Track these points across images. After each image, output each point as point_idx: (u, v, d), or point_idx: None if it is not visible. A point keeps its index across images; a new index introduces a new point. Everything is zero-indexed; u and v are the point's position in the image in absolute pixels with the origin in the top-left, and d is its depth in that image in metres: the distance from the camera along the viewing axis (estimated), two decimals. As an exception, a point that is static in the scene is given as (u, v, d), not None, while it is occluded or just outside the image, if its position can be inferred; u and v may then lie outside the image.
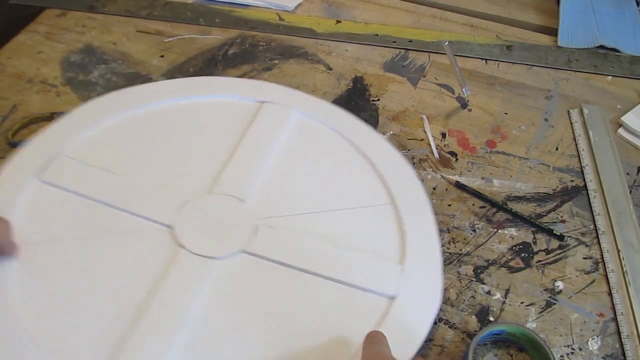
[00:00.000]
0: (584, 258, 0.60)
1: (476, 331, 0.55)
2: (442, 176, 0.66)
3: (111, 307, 0.52)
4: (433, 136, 0.70)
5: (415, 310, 0.53)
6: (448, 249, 0.60)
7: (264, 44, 0.81)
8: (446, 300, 0.57)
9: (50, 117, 0.71)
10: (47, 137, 0.65)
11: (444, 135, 0.70)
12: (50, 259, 0.55)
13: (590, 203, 0.64)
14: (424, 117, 0.71)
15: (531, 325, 0.55)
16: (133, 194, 0.59)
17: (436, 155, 0.68)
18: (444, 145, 0.69)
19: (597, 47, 0.82)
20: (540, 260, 0.59)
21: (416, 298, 0.54)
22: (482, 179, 0.66)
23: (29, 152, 0.63)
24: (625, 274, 0.58)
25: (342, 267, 0.55)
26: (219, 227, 0.57)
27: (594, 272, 0.59)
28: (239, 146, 0.65)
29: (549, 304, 0.56)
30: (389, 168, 0.64)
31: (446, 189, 0.65)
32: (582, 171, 0.67)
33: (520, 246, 0.60)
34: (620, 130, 0.71)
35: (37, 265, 0.54)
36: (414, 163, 0.67)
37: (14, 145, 0.68)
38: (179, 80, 0.73)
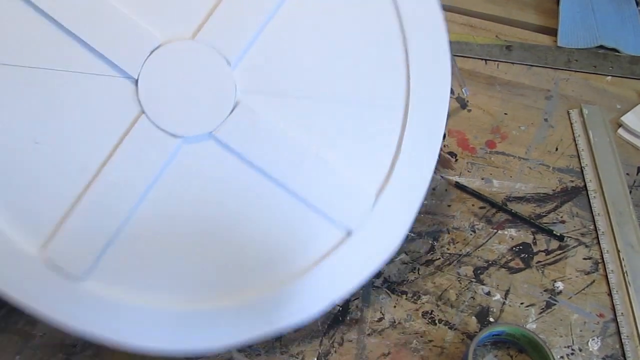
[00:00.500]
0: (584, 258, 0.60)
1: (476, 332, 0.55)
2: (441, 177, 0.66)
3: (59, 167, 0.45)
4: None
5: (367, 252, 0.50)
6: (448, 249, 0.60)
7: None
8: (446, 301, 0.57)
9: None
10: None
11: (443, 135, 0.70)
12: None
13: (590, 203, 0.64)
14: None
15: (531, 326, 0.55)
16: (93, 18, 0.44)
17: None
18: (444, 146, 0.69)
19: (597, 47, 0.81)
20: (540, 261, 0.59)
21: (374, 240, 0.50)
22: (482, 179, 0.66)
23: None
24: (625, 274, 0.58)
25: (310, 182, 0.48)
26: (192, 92, 0.46)
27: (594, 272, 0.59)
28: None
29: (548, 305, 0.56)
30: (424, 67, 0.51)
31: (446, 190, 0.65)
32: (582, 171, 0.67)
33: (520, 247, 0.60)
34: (620, 131, 0.71)
35: None
36: (413, 164, 0.67)
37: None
38: None
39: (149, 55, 0.45)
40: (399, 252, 0.58)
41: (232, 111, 0.47)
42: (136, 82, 0.45)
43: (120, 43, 0.45)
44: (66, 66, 0.44)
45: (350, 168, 0.50)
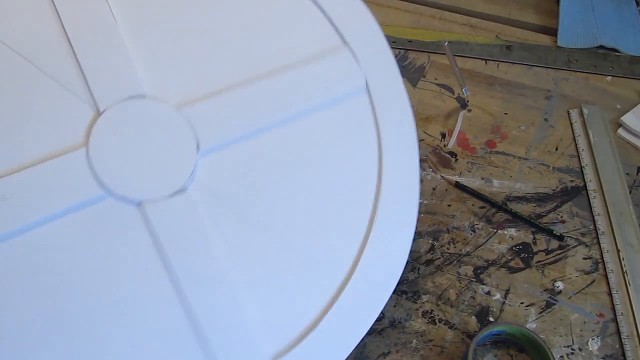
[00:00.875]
0: (584, 258, 0.60)
1: (476, 332, 0.55)
2: (441, 176, 0.66)
3: None
4: (433, 137, 0.70)
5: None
6: (448, 249, 0.60)
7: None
8: (446, 301, 0.57)
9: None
10: None
11: (443, 135, 0.70)
12: None
13: (590, 203, 0.64)
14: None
15: (531, 325, 0.55)
16: (101, 48, 0.43)
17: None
18: (444, 146, 0.69)
19: (597, 47, 0.81)
20: (540, 261, 0.59)
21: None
22: (482, 179, 0.66)
23: None
24: (625, 274, 0.58)
25: (210, 307, 0.42)
26: (148, 154, 0.43)
27: (593, 272, 0.59)
28: (261, 80, 0.47)
29: (548, 305, 0.56)
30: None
31: (446, 189, 0.65)
32: (582, 171, 0.67)
33: (520, 246, 0.60)
34: (620, 131, 0.71)
35: None
36: (413, 163, 0.67)
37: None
38: None
39: (127, 99, 0.42)
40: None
41: (175, 194, 0.42)
42: (99, 115, 0.41)
43: (106, 74, 0.42)
44: (49, 70, 0.42)
45: (259, 314, 0.43)
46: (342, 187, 0.47)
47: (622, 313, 0.56)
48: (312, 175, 0.47)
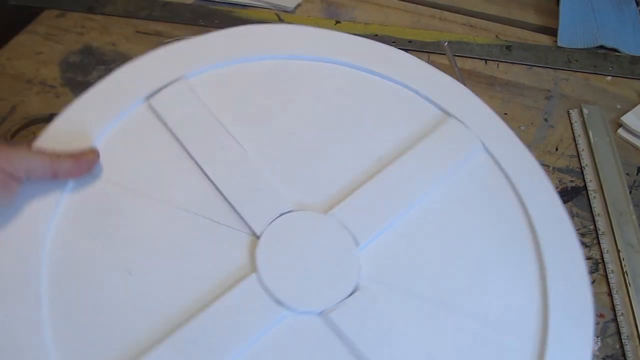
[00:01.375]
0: (584, 259, 0.60)
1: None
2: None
3: (147, 296, 0.40)
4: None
5: None
6: (448, 249, 0.60)
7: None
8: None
9: (49, 118, 0.71)
10: (172, 54, 0.50)
11: (443, 135, 0.70)
12: (102, 205, 0.43)
13: (590, 203, 0.64)
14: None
15: (531, 326, 0.55)
16: (235, 173, 0.45)
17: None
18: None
19: (597, 47, 0.81)
20: (540, 261, 0.59)
21: None
22: (482, 179, 0.66)
23: (147, 66, 0.49)
24: (625, 274, 0.58)
25: None
26: (312, 265, 0.43)
27: (594, 272, 0.59)
28: (389, 166, 0.48)
29: (548, 305, 0.56)
30: (558, 268, 0.46)
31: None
32: (582, 171, 0.67)
33: (520, 247, 0.60)
34: (620, 131, 0.71)
35: (85, 210, 0.42)
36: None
37: (13, 146, 0.68)
38: (358, 37, 0.55)
39: (277, 217, 0.44)
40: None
41: (351, 294, 0.42)
42: (257, 239, 0.43)
43: (253, 201, 0.44)
44: (203, 213, 0.44)
45: None
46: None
47: (622, 313, 0.56)
48: (475, 248, 0.46)
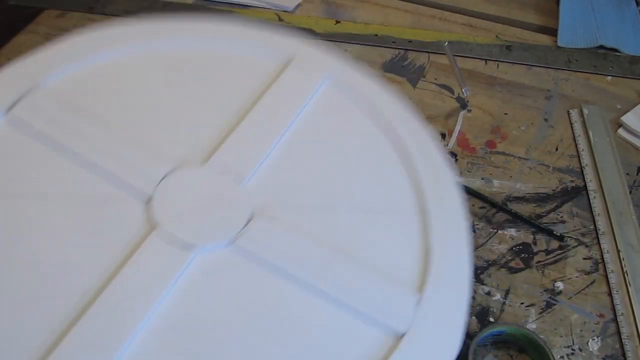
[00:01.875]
0: (584, 258, 0.60)
1: (476, 332, 0.54)
2: (441, 177, 0.66)
3: (58, 289, 0.43)
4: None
5: (428, 352, 0.43)
6: (448, 249, 0.60)
7: (264, 44, 0.81)
8: (446, 301, 0.57)
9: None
10: (24, 67, 0.54)
11: (443, 135, 0.70)
12: (3, 217, 0.46)
13: (590, 203, 0.64)
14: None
15: (531, 326, 0.55)
16: (111, 151, 0.49)
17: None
18: (444, 146, 0.69)
19: (597, 47, 0.82)
20: (540, 261, 0.59)
21: (430, 338, 0.44)
22: (482, 179, 0.66)
23: (1, 81, 0.53)
24: (625, 274, 0.58)
25: (344, 286, 0.45)
26: (205, 208, 0.47)
27: (594, 272, 0.59)
28: (249, 112, 0.54)
29: (549, 305, 0.56)
30: (428, 170, 0.52)
31: (446, 190, 0.65)
32: (582, 171, 0.67)
33: (520, 247, 0.60)
34: (620, 131, 0.71)
35: None
36: (413, 163, 0.67)
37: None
38: (193, 22, 0.61)
39: (163, 178, 0.48)
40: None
41: (248, 222, 0.46)
42: (150, 202, 0.47)
43: (137, 169, 0.48)
44: (85, 192, 0.47)
45: (383, 268, 0.47)
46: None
47: (622, 313, 0.56)
48: (347, 156, 0.53)
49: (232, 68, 0.58)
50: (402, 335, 0.43)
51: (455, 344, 0.44)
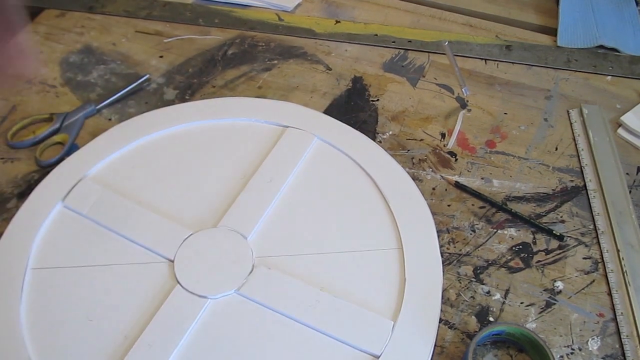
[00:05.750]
0: (584, 258, 0.60)
1: (476, 332, 0.55)
2: (441, 176, 0.66)
3: (105, 335, 0.54)
4: (432, 137, 0.70)
5: None
6: (447, 249, 0.60)
7: (263, 44, 0.81)
8: (446, 301, 0.57)
9: (49, 118, 0.71)
10: (75, 160, 0.66)
11: (443, 135, 0.70)
12: (58, 284, 0.57)
13: (589, 203, 0.64)
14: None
15: (531, 325, 0.55)
16: (142, 225, 0.61)
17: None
18: (444, 146, 0.69)
19: (597, 47, 0.81)
20: (540, 261, 0.59)
21: (402, 358, 0.52)
22: (482, 179, 0.66)
23: (57, 176, 0.64)
24: (625, 274, 0.58)
25: (330, 319, 0.54)
26: (217, 264, 0.58)
27: (593, 272, 0.59)
28: (253, 176, 0.64)
29: (548, 304, 0.56)
30: (405, 210, 0.61)
31: (445, 189, 0.65)
32: (582, 171, 0.67)
33: (520, 246, 0.60)
34: (620, 130, 0.71)
35: (45, 290, 0.57)
36: (413, 163, 0.67)
37: (13, 146, 0.68)
38: (203, 102, 0.72)
39: (183, 242, 0.59)
40: (398, 252, 0.58)
41: (251, 272, 0.57)
42: (173, 262, 0.58)
43: (161, 237, 0.60)
44: (127, 260, 0.59)
45: (363, 299, 0.56)
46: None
47: (622, 313, 0.56)
48: (333, 208, 0.63)
49: (240, 138, 0.69)
50: (378, 357, 0.52)
51: None
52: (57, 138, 0.69)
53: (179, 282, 0.56)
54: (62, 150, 0.67)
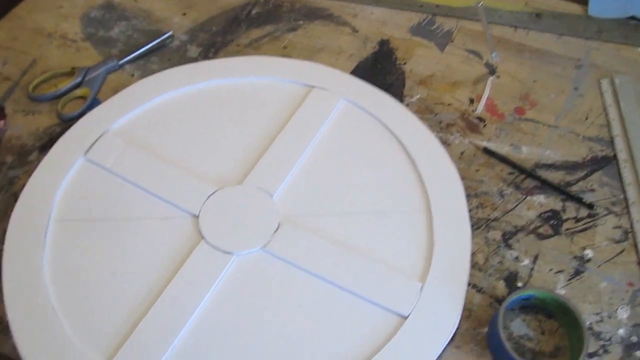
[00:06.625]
0: (614, 227, 0.59)
1: (504, 296, 0.54)
2: (469, 141, 0.65)
3: (129, 289, 0.53)
4: (461, 101, 0.68)
5: (426, 333, 0.51)
6: (476, 214, 0.59)
7: (288, 4, 0.79)
8: (474, 265, 0.56)
9: (71, 73, 0.69)
10: (97, 114, 0.65)
11: (471, 100, 0.69)
12: (81, 237, 0.56)
13: (620, 173, 0.63)
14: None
15: (559, 292, 0.54)
16: (166, 180, 0.60)
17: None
18: (472, 111, 0.68)
19: (628, 17, 0.79)
20: (569, 228, 0.58)
21: (430, 321, 0.51)
22: (511, 145, 0.65)
23: (79, 130, 0.63)
24: (657, 243, 0.57)
25: (357, 278, 0.53)
26: (242, 221, 0.57)
27: (623, 241, 0.58)
28: (278, 135, 0.63)
29: (577, 272, 0.56)
30: (433, 173, 0.60)
31: (474, 154, 0.64)
32: (612, 141, 0.66)
33: (549, 213, 0.59)
34: (652, 102, 0.69)
35: (67, 242, 0.56)
36: (441, 127, 0.66)
37: (34, 99, 0.67)
38: (227, 59, 0.70)
39: (207, 198, 0.58)
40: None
41: (276, 229, 0.56)
42: (198, 217, 0.57)
43: (187, 192, 0.59)
44: (151, 215, 0.58)
45: (391, 261, 0.55)
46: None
47: (652, 282, 0.55)
48: (359, 167, 0.62)
49: (264, 97, 0.67)
50: (406, 317, 0.51)
51: (451, 326, 0.51)
52: (78, 92, 0.68)
53: (203, 238, 0.56)
54: (83, 105, 0.66)
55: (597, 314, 0.53)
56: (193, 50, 0.74)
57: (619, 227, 0.59)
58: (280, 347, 0.51)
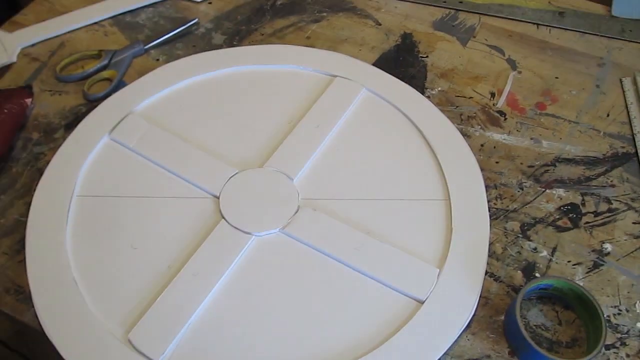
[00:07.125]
0: (633, 223, 0.59)
1: (521, 286, 0.54)
2: (490, 134, 0.65)
3: (149, 264, 0.54)
4: (482, 95, 0.69)
5: (443, 319, 0.51)
6: (495, 204, 0.59)
7: (312, -4, 0.80)
8: (492, 254, 0.56)
9: (98, 55, 0.71)
10: (123, 95, 0.66)
11: (492, 94, 0.69)
12: (103, 212, 0.57)
13: (641, 170, 0.63)
14: None
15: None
16: (189, 161, 0.60)
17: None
18: (493, 104, 0.68)
19: (652, 19, 0.79)
20: (588, 222, 0.58)
21: (446, 307, 0.51)
22: (531, 139, 0.65)
23: (105, 110, 0.64)
24: (677, 239, 0.57)
25: (375, 262, 0.54)
26: (262, 202, 0.58)
27: (643, 237, 0.58)
28: (300, 121, 0.64)
29: (596, 265, 0.55)
30: (453, 163, 0.61)
31: (494, 147, 0.64)
32: (634, 138, 0.65)
33: (568, 207, 0.59)
34: (674, 101, 0.69)
35: (90, 217, 0.57)
36: (461, 119, 0.66)
37: (61, 80, 0.68)
38: (252, 47, 0.72)
39: (228, 179, 0.59)
40: (446, 203, 0.57)
41: (296, 212, 0.57)
42: (219, 198, 0.58)
43: (209, 174, 0.60)
44: (173, 194, 0.59)
45: (410, 247, 0.55)
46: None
47: (671, 278, 0.55)
48: (379, 154, 0.63)
49: (288, 84, 0.68)
50: (423, 302, 0.52)
51: (467, 312, 0.51)
52: (105, 74, 0.69)
53: (224, 217, 0.56)
54: (109, 86, 0.67)
55: (615, 306, 0.53)
56: (218, 38, 0.74)
57: (639, 222, 0.59)
58: (296, 326, 0.51)
